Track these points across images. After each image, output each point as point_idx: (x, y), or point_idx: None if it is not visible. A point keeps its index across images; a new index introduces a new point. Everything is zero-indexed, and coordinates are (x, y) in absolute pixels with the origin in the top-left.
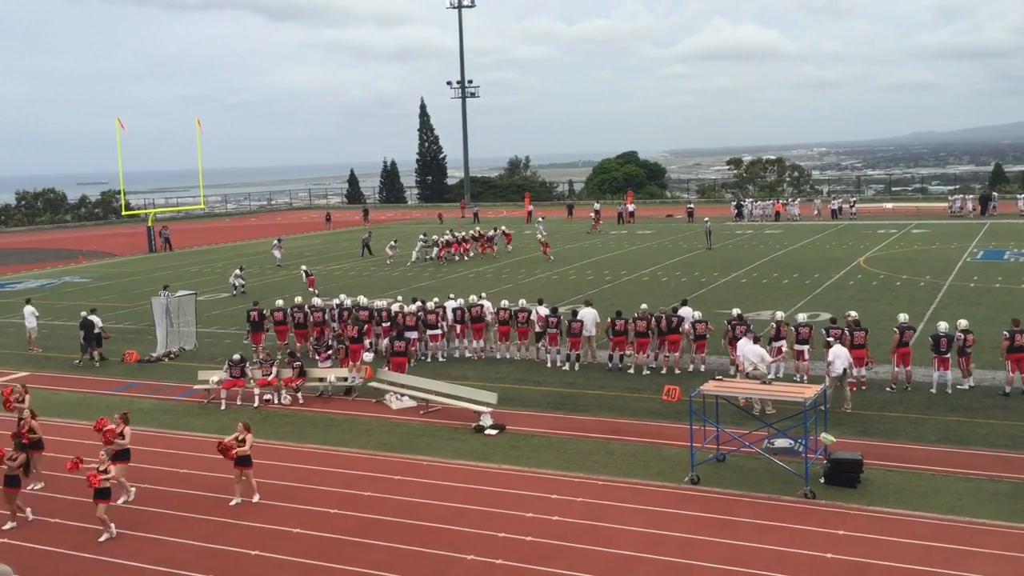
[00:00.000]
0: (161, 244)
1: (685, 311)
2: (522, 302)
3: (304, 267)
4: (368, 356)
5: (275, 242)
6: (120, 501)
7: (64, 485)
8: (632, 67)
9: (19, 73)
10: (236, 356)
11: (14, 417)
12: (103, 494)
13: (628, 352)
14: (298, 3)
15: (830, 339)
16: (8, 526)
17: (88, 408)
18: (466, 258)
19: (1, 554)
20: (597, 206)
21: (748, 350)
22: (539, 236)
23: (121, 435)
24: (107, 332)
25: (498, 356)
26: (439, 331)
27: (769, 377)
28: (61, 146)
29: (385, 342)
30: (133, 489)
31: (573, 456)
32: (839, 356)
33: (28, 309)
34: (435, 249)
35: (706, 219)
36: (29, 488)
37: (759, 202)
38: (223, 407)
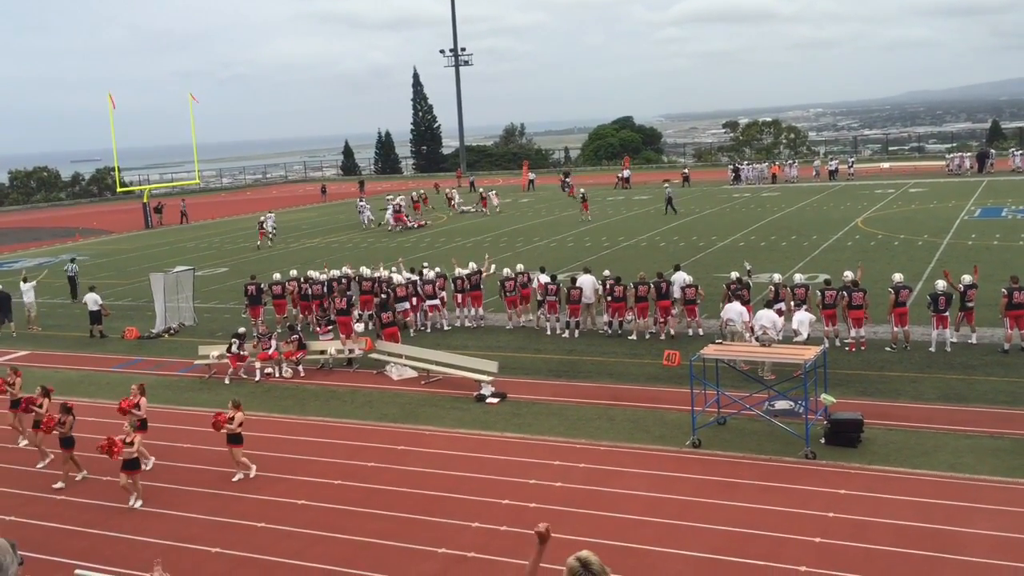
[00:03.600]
0: (180, 218)
1: (678, 276)
2: (520, 267)
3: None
4: (359, 327)
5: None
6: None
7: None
8: (626, 31)
9: (10, 51)
10: (241, 330)
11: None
12: (131, 465)
13: (629, 318)
14: None
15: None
16: (57, 485)
17: (90, 385)
18: (413, 225)
19: (6, 530)
20: (532, 176)
21: (762, 314)
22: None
23: (137, 406)
24: (107, 309)
25: (510, 327)
26: (437, 301)
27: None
28: (54, 124)
29: (366, 314)
30: (152, 459)
31: (574, 422)
32: (803, 323)
33: (25, 286)
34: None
35: (666, 184)
36: (38, 466)
37: (756, 165)
38: (227, 381)
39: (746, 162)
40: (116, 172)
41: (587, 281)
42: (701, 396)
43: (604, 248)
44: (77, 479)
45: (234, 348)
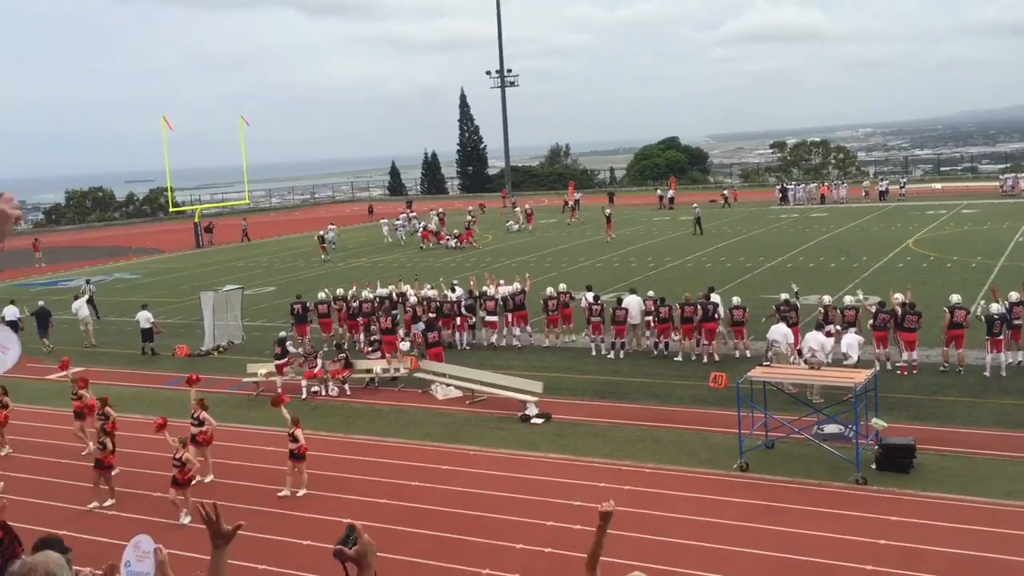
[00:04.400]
0: (241, 236)
1: (714, 298)
2: (562, 286)
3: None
4: (404, 346)
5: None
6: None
7: (125, 477)
8: (673, 52)
9: (68, 73)
10: (282, 334)
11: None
12: (178, 482)
13: (675, 338)
14: None
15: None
16: (93, 505)
17: (142, 402)
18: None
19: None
20: (578, 196)
21: (810, 337)
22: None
23: (199, 420)
24: (159, 327)
25: (546, 343)
26: (489, 319)
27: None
28: (109, 145)
29: (401, 331)
30: (211, 474)
31: (620, 444)
32: (852, 345)
33: (77, 303)
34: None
35: (695, 205)
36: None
37: (804, 185)
38: (279, 384)
39: (794, 182)
40: (169, 192)
41: (633, 301)
42: (748, 419)
43: (650, 268)
44: (107, 503)
45: (287, 348)
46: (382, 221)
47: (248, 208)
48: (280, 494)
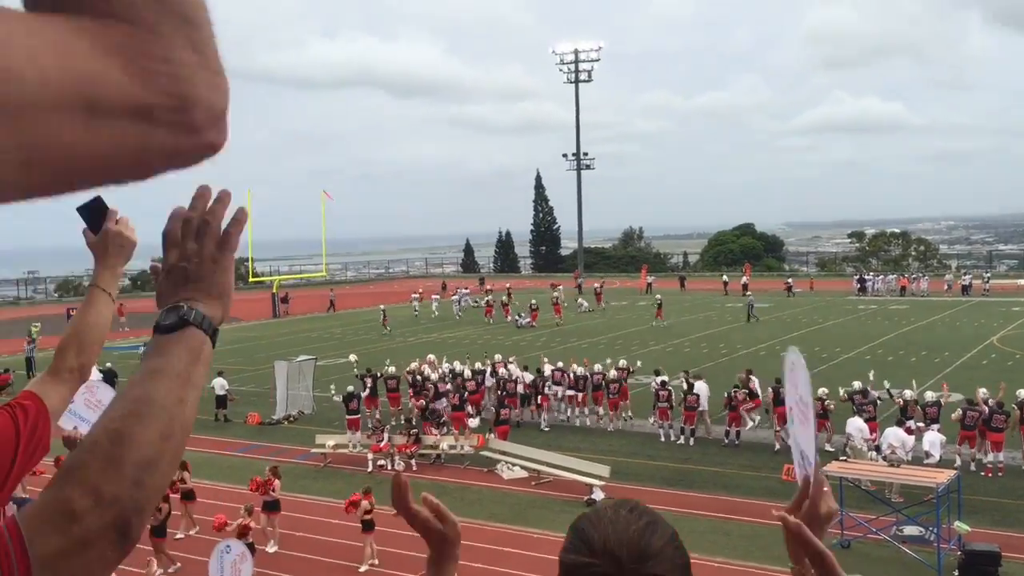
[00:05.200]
0: (328, 307)
1: (700, 385)
2: (622, 361)
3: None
4: (473, 423)
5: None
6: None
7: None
8: (749, 140)
9: None
10: (350, 388)
11: None
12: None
13: (749, 426)
14: (424, 82)
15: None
16: (158, 573)
17: (212, 467)
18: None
19: None
20: (651, 279)
21: (890, 432)
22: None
23: (272, 488)
24: (232, 394)
25: (610, 428)
26: (555, 394)
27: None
28: None
29: (470, 408)
30: (273, 544)
31: (687, 535)
32: (935, 443)
33: None
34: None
35: (748, 293)
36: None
37: (884, 276)
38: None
39: (872, 273)
40: (250, 263)
41: (703, 388)
42: None
43: (722, 355)
44: (171, 570)
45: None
46: (434, 297)
47: (324, 280)
48: (362, 569)
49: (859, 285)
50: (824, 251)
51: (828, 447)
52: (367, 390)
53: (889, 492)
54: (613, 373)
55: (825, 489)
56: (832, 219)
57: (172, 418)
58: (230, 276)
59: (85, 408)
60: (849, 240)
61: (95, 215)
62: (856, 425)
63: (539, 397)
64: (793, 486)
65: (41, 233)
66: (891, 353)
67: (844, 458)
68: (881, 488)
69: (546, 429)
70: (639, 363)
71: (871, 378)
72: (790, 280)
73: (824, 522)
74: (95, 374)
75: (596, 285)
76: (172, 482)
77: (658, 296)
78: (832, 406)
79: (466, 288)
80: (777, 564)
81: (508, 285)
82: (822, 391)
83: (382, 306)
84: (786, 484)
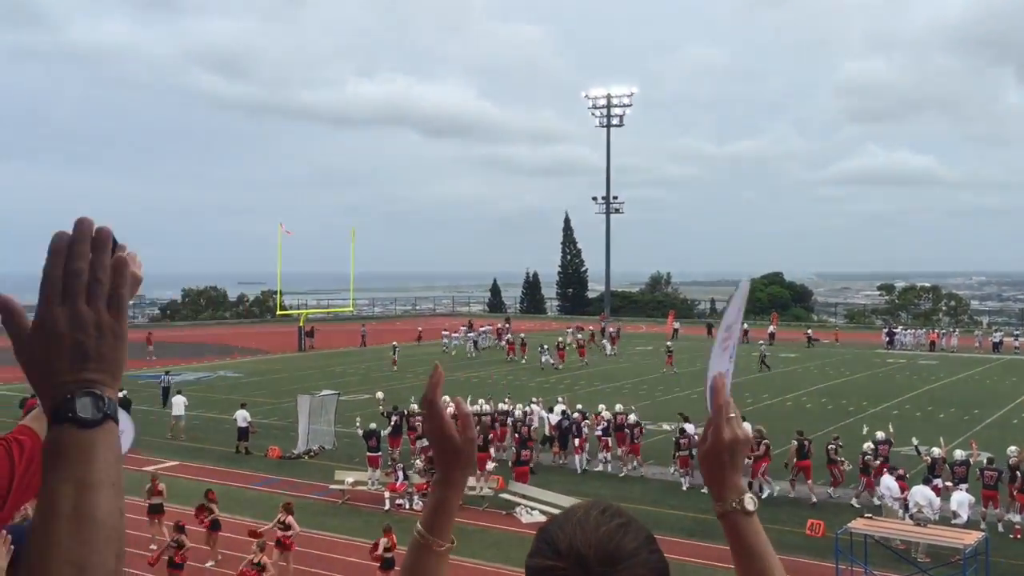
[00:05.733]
0: (360, 341)
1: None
2: (619, 407)
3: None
4: (490, 465)
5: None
6: None
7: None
8: (779, 188)
9: (200, 180)
10: (372, 425)
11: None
12: None
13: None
14: (456, 122)
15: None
16: None
17: (231, 500)
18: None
19: None
20: (677, 325)
21: (917, 491)
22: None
23: (285, 524)
24: (254, 426)
25: (623, 474)
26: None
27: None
28: (226, 247)
29: (492, 451)
30: None
31: None
32: (962, 503)
33: (178, 399)
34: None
35: (761, 342)
36: (208, 564)
37: (913, 330)
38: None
39: (901, 327)
40: (278, 296)
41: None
42: (847, 572)
43: (747, 405)
44: None
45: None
46: (453, 335)
47: (351, 316)
48: None
49: (888, 339)
50: (853, 303)
51: (855, 503)
52: (391, 428)
53: (916, 552)
54: (633, 417)
55: (732, 415)
56: (862, 271)
57: (120, 535)
58: (126, 350)
59: None
60: (879, 293)
61: None
62: (887, 484)
63: (577, 439)
64: (817, 541)
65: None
66: (919, 409)
67: (869, 515)
68: (909, 547)
69: (584, 471)
70: (619, 406)
71: (891, 429)
72: (809, 331)
73: (730, 448)
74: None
75: (611, 329)
76: (198, 513)
77: (668, 343)
78: (870, 459)
79: (485, 326)
80: None
81: (522, 334)
82: (867, 446)
83: (395, 343)
84: (810, 539)
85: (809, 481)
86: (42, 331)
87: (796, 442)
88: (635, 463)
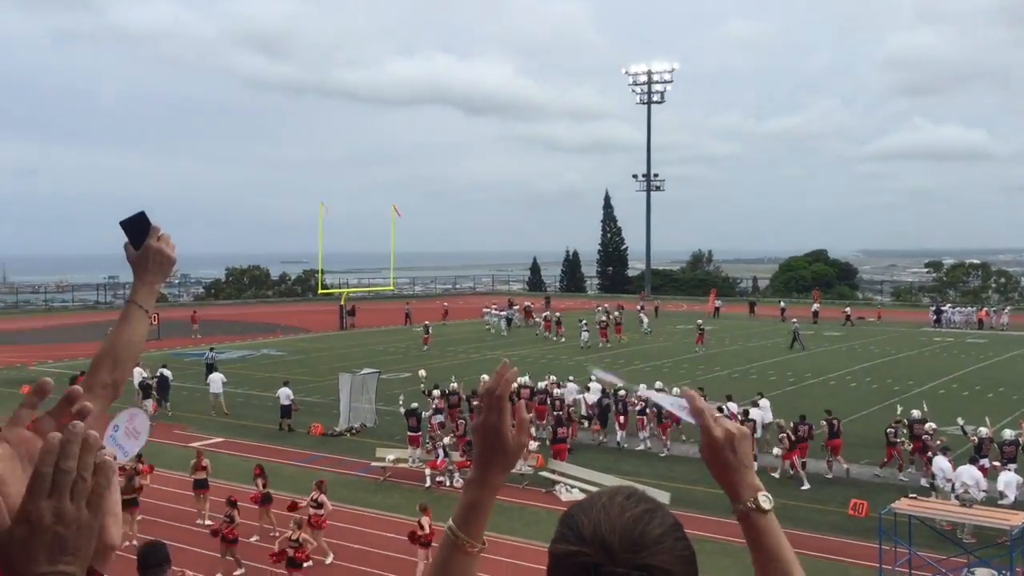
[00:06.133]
0: (405, 319)
1: (764, 403)
2: (676, 391)
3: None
4: (533, 444)
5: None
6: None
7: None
8: (823, 165)
9: (242, 160)
10: (414, 404)
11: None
12: (294, 563)
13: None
14: (495, 100)
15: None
16: (237, 573)
17: (274, 477)
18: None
19: None
20: (719, 303)
21: (964, 471)
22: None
23: (318, 503)
24: (297, 404)
25: (664, 454)
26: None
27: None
28: (270, 226)
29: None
30: (331, 556)
31: (749, 567)
32: (1010, 484)
33: (216, 376)
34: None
35: (794, 320)
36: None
37: (962, 308)
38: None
39: (949, 304)
40: (319, 275)
41: (757, 415)
42: (891, 553)
43: (789, 383)
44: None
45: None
46: (494, 309)
47: (392, 294)
48: None
49: (936, 317)
50: (900, 280)
51: (902, 477)
52: (433, 409)
53: (961, 533)
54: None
55: (715, 416)
56: (909, 248)
57: None
58: (95, 541)
59: (126, 437)
60: (927, 270)
61: (138, 230)
62: (940, 465)
63: (622, 416)
64: (860, 522)
65: (120, 239)
66: (967, 388)
67: (913, 495)
68: (954, 528)
69: (624, 446)
70: (703, 389)
71: (925, 408)
72: (848, 309)
73: (728, 443)
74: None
75: (638, 306)
76: (257, 491)
77: (699, 322)
78: (930, 439)
79: (515, 306)
80: None
81: (557, 313)
82: (916, 413)
83: (427, 322)
84: (853, 519)
85: (838, 457)
86: (27, 524)
87: (825, 423)
88: (667, 443)
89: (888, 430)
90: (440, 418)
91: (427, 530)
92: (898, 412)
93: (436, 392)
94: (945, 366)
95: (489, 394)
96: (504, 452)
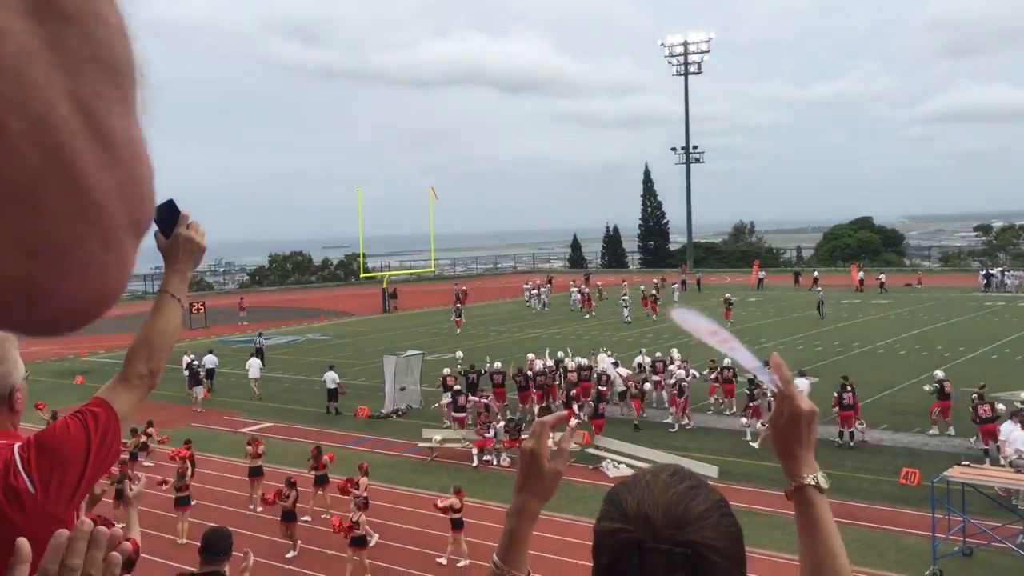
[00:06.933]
0: (454, 299)
1: (801, 382)
2: (726, 360)
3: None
4: (574, 422)
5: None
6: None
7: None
8: (867, 130)
9: (279, 147)
10: (456, 386)
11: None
12: (359, 542)
13: (859, 427)
14: (532, 77)
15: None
16: (290, 555)
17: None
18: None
19: None
20: (762, 275)
21: (1018, 436)
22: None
23: (356, 485)
24: (343, 387)
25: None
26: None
27: None
28: (310, 212)
29: (576, 406)
30: (376, 536)
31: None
32: (1014, 441)
33: (253, 361)
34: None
35: (819, 289)
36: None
37: (1014, 272)
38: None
39: (1000, 268)
40: (361, 259)
41: (803, 385)
42: (944, 522)
43: (837, 353)
44: (288, 556)
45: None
46: (537, 285)
47: (433, 276)
48: (439, 559)
49: (986, 281)
50: (948, 244)
51: (951, 431)
52: (467, 386)
53: (1016, 499)
54: (682, 372)
55: (799, 390)
56: (957, 211)
57: None
58: None
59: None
60: (975, 234)
61: (167, 218)
62: (1020, 434)
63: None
64: (912, 491)
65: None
66: (1020, 352)
67: (966, 462)
68: (1008, 495)
69: (674, 425)
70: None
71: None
72: (882, 276)
73: (808, 419)
74: (209, 360)
75: (656, 282)
76: (312, 468)
77: (727, 294)
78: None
79: (548, 284)
80: (894, 570)
81: (598, 285)
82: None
83: (458, 304)
84: (904, 488)
85: (858, 423)
86: None
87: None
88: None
89: (973, 395)
90: (487, 395)
91: (459, 511)
92: (936, 378)
93: (449, 374)
94: (997, 330)
95: (540, 424)
96: (540, 476)
